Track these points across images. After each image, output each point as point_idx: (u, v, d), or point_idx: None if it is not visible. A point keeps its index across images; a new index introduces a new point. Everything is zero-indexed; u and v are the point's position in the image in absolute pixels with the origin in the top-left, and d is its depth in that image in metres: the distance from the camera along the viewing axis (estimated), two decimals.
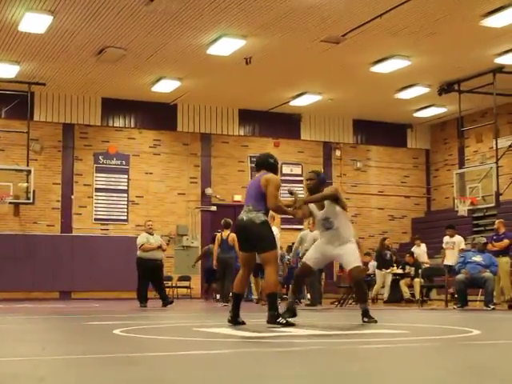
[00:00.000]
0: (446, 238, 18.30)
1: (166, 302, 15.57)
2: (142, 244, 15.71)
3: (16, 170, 21.26)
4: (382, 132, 26.44)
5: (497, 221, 17.56)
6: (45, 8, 15.72)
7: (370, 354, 5.82)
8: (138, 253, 15.76)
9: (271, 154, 8.98)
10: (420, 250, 19.70)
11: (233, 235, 17.39)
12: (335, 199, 8.99)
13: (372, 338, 7.27)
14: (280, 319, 8.19)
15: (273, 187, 8.43)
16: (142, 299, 15.43)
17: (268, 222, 8.54)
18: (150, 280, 15.77)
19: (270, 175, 8.55)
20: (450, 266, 17.75)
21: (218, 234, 17.51)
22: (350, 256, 8.95)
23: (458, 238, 18.19)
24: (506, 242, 16.50)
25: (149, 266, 15.51)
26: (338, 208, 8.99)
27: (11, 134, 21.75)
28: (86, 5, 15.57)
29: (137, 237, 16.59)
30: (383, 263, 19.18)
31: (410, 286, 18.69)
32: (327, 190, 9.07)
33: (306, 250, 16.23)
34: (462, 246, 18.02)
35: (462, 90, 21.16)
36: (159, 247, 15.83)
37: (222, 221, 17.43)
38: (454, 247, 18.10)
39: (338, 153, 26.05)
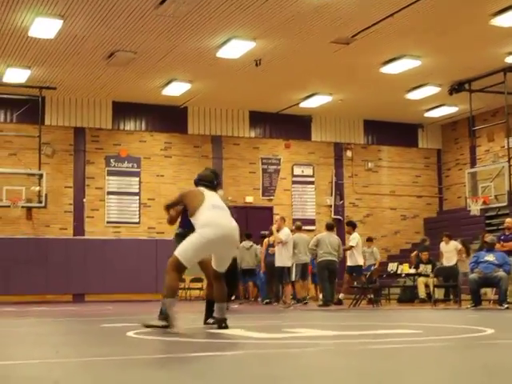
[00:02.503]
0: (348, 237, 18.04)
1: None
2: None
3: (28, 174, 21.34)
4: (393, 132, 26.39)
5: (508, 219, 17.42)
6: (55, 13, 15.77)
7: (383, 354, 5.82)
8: None
9: (201, 173, 8.85)
10: (448, 248, 18.96)
11: None
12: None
13: (385, 338, 7.26)
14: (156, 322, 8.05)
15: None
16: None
17: (177, 234, 9.21)
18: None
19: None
20: (350, 266, 17.55)
21: (266, 239, 18.50)
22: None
23: (354, 236, 17.66)
24: None
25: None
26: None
27: (23, 138, 21.82)
28: (95, 9, 15.61)
29: (149, 239, 16.56)
30: None
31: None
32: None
33: (325, 253, 16.61)
34: (353, 243, 17.41)
35: (473, 89, 21.10)
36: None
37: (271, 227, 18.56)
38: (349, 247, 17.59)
39: (349, 153, 26.00)
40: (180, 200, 8.52)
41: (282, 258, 16.96)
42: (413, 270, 18.91)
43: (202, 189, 8.40)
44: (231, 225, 8.08)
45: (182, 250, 7.87)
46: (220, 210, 8.17)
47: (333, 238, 17.03)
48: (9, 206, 20.56)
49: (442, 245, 19.42)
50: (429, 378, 4.40)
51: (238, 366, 5.00)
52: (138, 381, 4.25)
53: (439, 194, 27.31)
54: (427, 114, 25.14)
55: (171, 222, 9.47)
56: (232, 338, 7.29)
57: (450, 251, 18.82)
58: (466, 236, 22.34)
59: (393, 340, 6.94)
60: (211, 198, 8.24)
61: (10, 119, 22.03)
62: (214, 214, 8.05)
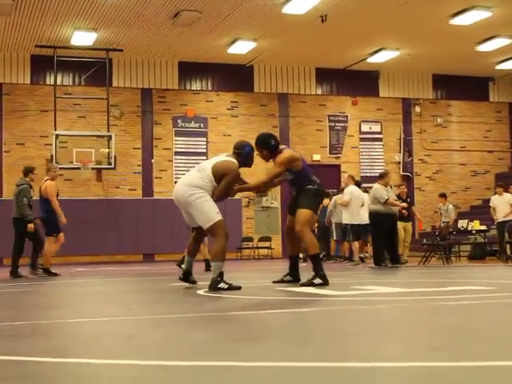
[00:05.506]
0: None
1: (396, 261, 14.63)
2: (387, 198, 14.44)
3: (97, 136, 21.58)
4: (462, 86, 25.80)
5: None
6: None
7: (455, 310, 5.73)
8: (375, 207, 14.53)
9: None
10: (502, 200, 17.34)
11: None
12: None
13: (457, 294, 7.15)
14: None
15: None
16: (381, 260, 14.45)
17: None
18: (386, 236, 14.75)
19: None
20: None
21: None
22: None
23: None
24: None
25: (387, 222, 14.48)
26: None
27: (91, 100, 22.04)
28: None
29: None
30: None
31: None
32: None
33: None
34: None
35: None
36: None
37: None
38: None
39: (417, 109, 25.57)
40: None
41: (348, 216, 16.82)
42: (484, 227, 18.52)
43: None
44: (179, 183, 8.77)
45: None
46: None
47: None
48: (79, 168, 20.85)
49: (495, 198, 17.71)
50: (505, 333, 4.30)
51: (308, 323, 4.98)
52: (210, 337, 4.26)
53: (511, 148, 26.72)
54: (499, 67, 24.49)
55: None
56: (303, 295, 7.28)
57: (504, 204, 17.28)
58: None
59: (466, 296, 6.82)
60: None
61: (79, 82, 22.26)
62: None
